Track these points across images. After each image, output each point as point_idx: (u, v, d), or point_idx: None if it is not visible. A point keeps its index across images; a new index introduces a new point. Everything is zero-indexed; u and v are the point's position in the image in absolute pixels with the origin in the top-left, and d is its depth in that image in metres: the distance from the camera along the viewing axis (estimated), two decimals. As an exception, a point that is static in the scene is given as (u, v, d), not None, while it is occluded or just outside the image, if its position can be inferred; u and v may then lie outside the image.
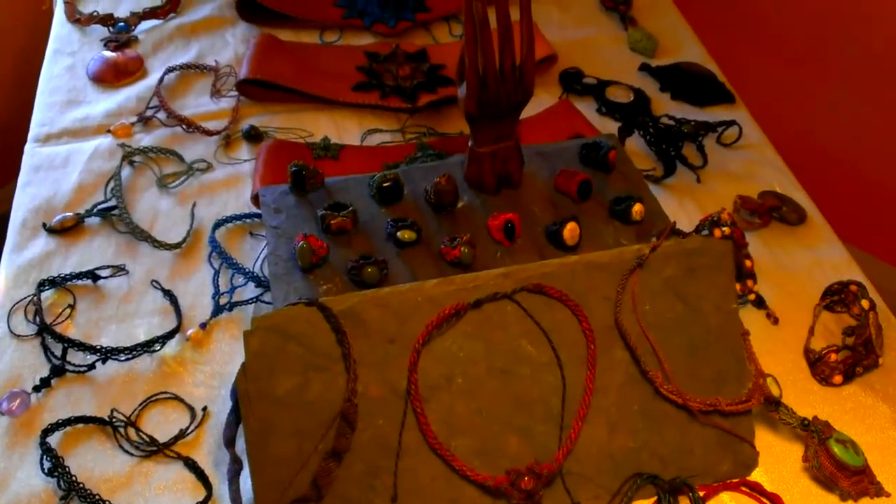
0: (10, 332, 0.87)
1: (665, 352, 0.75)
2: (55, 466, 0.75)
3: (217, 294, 0.91)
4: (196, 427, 0.80)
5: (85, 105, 1.15)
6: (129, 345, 0.85)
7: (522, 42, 0.79)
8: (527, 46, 0.80)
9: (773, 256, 0.99)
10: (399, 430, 0.70)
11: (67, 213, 0.98)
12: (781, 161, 1.13)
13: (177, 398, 0.82)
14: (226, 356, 0.86)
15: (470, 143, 0.86)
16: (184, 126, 1.10)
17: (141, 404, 0.82)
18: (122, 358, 0.85)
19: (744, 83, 1.28)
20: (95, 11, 1.27)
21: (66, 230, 0.97)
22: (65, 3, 1.30)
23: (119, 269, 0.94)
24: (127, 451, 0.78)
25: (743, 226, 0.98)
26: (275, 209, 0.86)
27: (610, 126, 1.14)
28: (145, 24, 1.27)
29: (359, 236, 0.83)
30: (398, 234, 0.81)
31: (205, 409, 0.81)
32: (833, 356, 0.86)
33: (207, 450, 0.79)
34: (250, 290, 0.92)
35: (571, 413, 0.73)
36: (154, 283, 0.92)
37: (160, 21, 1.28)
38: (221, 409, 0.82)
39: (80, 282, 0.92)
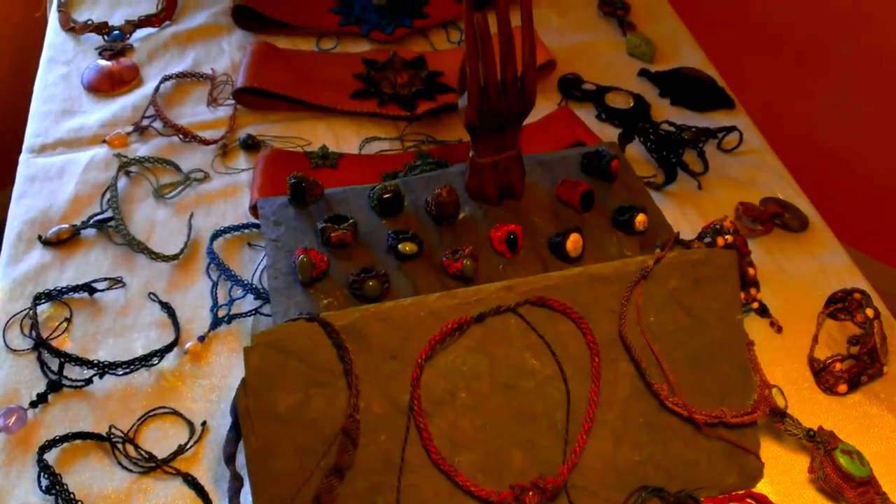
0: (6, 346, 0.86)
1: (670, 364, 0.74)
2: (53, 484, 0.74)
3: (215, 307, 0.90)
4: (195, 442, 0.79)
5: (80, 115, 1.14)
6: (126, 359, 0.84)
7: (524, 52, 0.78)
8: (528, 57, 0.79)
9: (776, 264, 0.99)
10: (402, 445, 0.69)
11: (63, 225, 0.97)
12: (782, 166, 1.13)
13: (175, 413, 0.81)
14: (224, 370, 0.86)
15: (471, 154, 0.85)
16: (180, 135, 1.09)
17: (139, 419, 0.81)
18: (120, 372, 0.84)
19: (742, 86, 1.28)
20: (90, 20, 1.26)
21: (62, 242, 0.96)
22: (59, 11, 1.29)
23: (116, 282, 0.93)
24: (125, 468, 0.77)
25: (745, 233, 0.97)
26: (274, 221, 0.85)
27: (610, 132, 1.14)
28: (140, 32, 1.26)
29: (359, 249, 0.82)
30: (399, 246, 0.80)
31: (204, 423, 0.80)
32: (838, 365, 0.86)
33: (207, 465, 0.78)
34: (249, 303, 0.91)
35: (576, 427, 0.72)
36: (151, 296, 0.91)
37: (155, 29, 1.27)
38: (221, 423, 0.81)
39: (76, 295, 0.91)
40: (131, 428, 0.80)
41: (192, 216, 0.99)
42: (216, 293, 0.91)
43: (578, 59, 1.26)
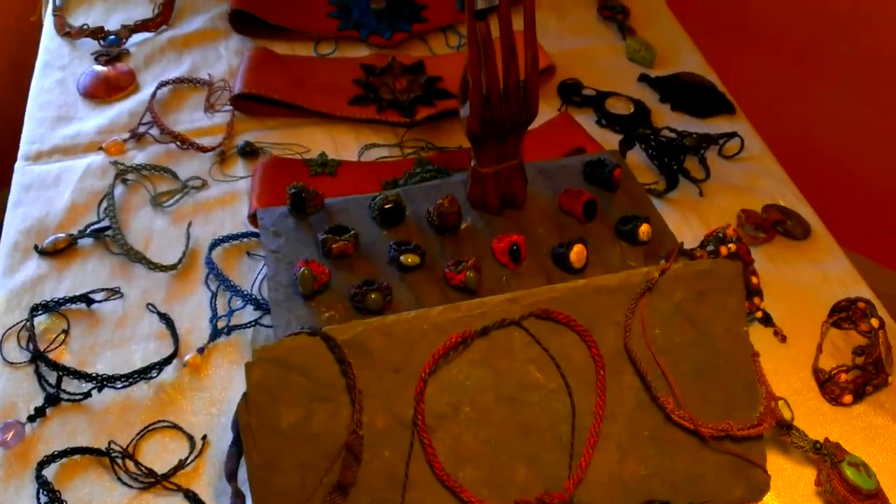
0: (3, 359, 0.85)
1: (675, 376, 0.74)
2: (52, 500, 0.74)
3: (215, 318, 0.89)
4: (196, 457, 0.78)
5: (76, 121, 1.12)
6: (125, 371, 0.83)
7: (527, 61, 0.77)
8: (531, 64, 0.78)
9: (779, 272, 0.98)
10: (406, 461, 0.68)
11: (60, 235, 0.96)
12: (784, 172, 1.12)
13: (175, 427, 0.80)
14: (224, 382, 0.85)
15: (472, 163, 0.84)
16: (178, 142, 1.08)
17: (138, 434, 0.80)
18: (119, 385, 0.83)
19: (742, 90, 1.27)
20: (85, 24, 1.25)
21: (59, 252, 0.95)
22: (54, 15, 1.28)
23: (113, 293, 0.91)
24: (125, 484, 0.76)
25: (748, 241, 0.97)
26: (273, 232, 0.84)
27: (610, 138, 1.13)
28: (136, 37, 1.25)
29: (360, 260, 0.81)
30: (401, 258, 0.79)
31: (204, 437, 0.80)
32: (843, 376, 0.85)
33: (208, 480, 0.77)
34: (249, 313, 0.90)
35: (581, 441, 0.71)
36: (150, 307, 0.90)
37: (152, 34, 1.26)
38: (221, 437, 0.80)
39: (73, 306, 0.90)
40: (131, 442, 0.79)
41: (190, 225, 0.98)
42: (215, 304, 0.90)
43: (578, 64, 1.26)
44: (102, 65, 1.19)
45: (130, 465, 0.77)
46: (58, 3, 1.31)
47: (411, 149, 1.10)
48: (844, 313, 0.92)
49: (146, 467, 0.76)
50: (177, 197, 1.02)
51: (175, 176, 1.04)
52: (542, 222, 0.86)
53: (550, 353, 0.72)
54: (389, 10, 1.29)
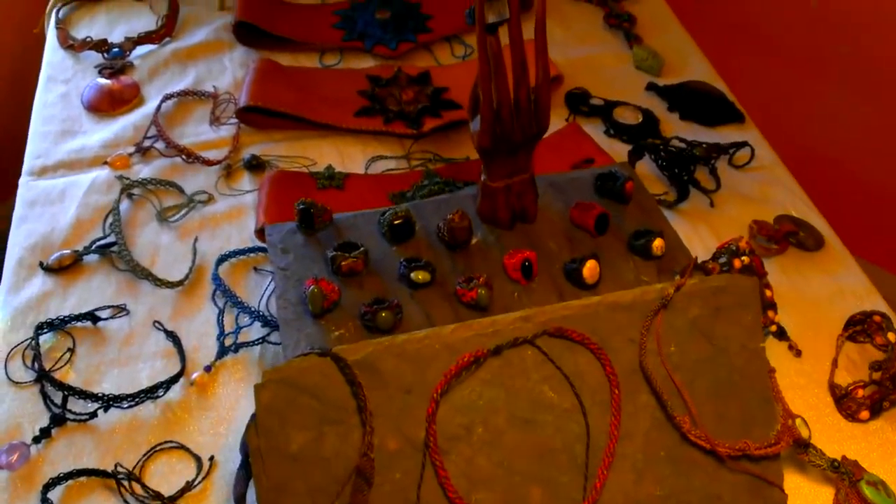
0: (8, 378, 0.84)
1: (691, 395, 0.72)
2: (58, 524, 0.73)
3: (222, 335, 0.88)
4: (203, 479, 0.77)
5: (80, 135, 1.11)
6: (131, 390, 0.82)
7: (538, 74, 0.76)
8: (542, 78, 0.77)
9: (792, 284, 0.97)
10: (417, 484, 0.67)
11: (65, 251, 0.95)
12: (795, 182, 1.11)
13: (182, 447, 0.79)
14: (232, 400, 0.84)
15: (483, 178, 0.83)
16: (183, 156, 1.07)
17: (145, 455, 0.79)
18: (125, 405, 0.82)
19: (750, 97, 1.26)
20: (89, 37, 1.24)
21: (64, 269, 0.94)
22: (57, 28, 1.27)
23: (120, 310, 0.90)
24: (132, 507, 0.75)
25: (760, 252, 0.96)
26: (282, 249, 0.82)
27: (618, 148, 1.12)
28: (140, 50, 1.24)
29: (370, 277, 0.80)
30: (412, 275, 0.78)
31: (212, 458, 0.78)
32: (860, 392, 0.84)
33: (216, 503, 0.76)
34: (256, 330, 0.89)
35: (596, 461, 0.70)
36: (156, 325, 0.89)
37: (155, 46, 1.25)
38: (229, 458, 0.79)
39: (79, 324, 0.89)
40: (137, 464, 0.78)
41: (196, 240, 0.97)
42: (223, 321, 0.89)
43: (584, 73, 1.24)
44: (106, 78, 1.18)
45: (137, 487, 0.76)
46: (60, 15, 1.30)
47: (418, 160, 1.09)
48: (860, 326, 0.91)
49: (153, 490, 0.75)
50: (183, 211, 1.01)
51: (181, 190, 1.03)
52: (554, 237, 0.84)
53: (564, 372, 0.71)
54: (394, 21, 1.28)
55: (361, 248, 0.80)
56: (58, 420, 0.80)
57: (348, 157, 1.10)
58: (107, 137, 1.11)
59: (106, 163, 1.06)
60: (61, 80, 1.20)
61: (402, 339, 0.69)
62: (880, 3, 1.51)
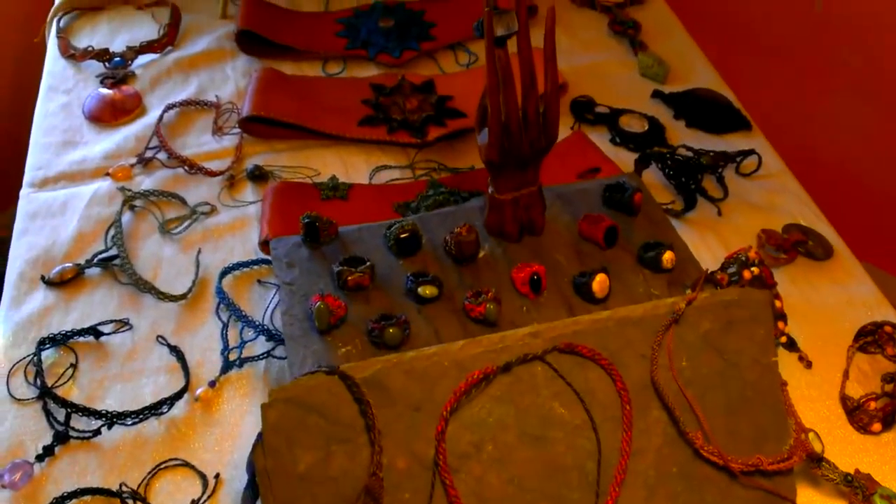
0: (10, 395, 0.83)
1: (703, 410, 0.72)
2: (62, 544, 0.72)
3: (226, 349, 0.87)
4: (209, 497, 0.76)
5: (82, 146, 1.10)
6: (135, 406, 0.81)
7: (547, 87, 0.75)
8: (551, 91, 0.76)
9: (802, 294, 0.96)
10: (427, 503, 0.66)
11: (67, 264, 0.94)
12: (803, 190, 1.10)
13: (187, 465, 0.78)
14: (237, 416, 0.82)
15: (490, 190, 0.82)
16: (186, 167, 1.06)
17: (150, 473, 0.77)
18: (129, 422, 0.81)
19: (757, 105, 1.25)
20: (90, 46, 1.23)
21: (66, 282, 0.93)
22: (58, 37, 1.26)
23: (122, 324, 0.89)
24: (137, 526, 0.74)
25: (769, 262, 0.95)
26: (287, 263, 0.81)
27: (624, 157, 1.11)
28: (142, 59, 1.23)
29: (377, 292, 0.79)
30: (419, 289, 0.77)
31: (217, 476, 0.77)
32: (872, 404, 0.83)
33: (222, 522, 0.75)
34: (261, 344, 0.88)
35: (608, 478, 0.69)
36: (160, 339, 0.88)
37: (157, 55, 1.24)
38: (234, 475, 0.78)
39: (81, 339, 0.88)
40: (142, 482, 0.77)
41: (199, 252, 0.96)
42: (227, 335, 0.88)
43: (589, 81, 1.23)
44: (108, 88, 1.17)
45: (142, 506, 0.75)
46: (61, 24, 1.29)
47: (423, 170, 1.08)
48: (870, 337, 0.90)
49: (158, 509, 0.74)
50: (186, 223, 1.00)
51: (183, 202, 1.02)
52: (562, 249, 0.83)
53: (575, 389, 0.70)
54: (398, 29, 1.27)
55: (368, 263, 0.79)
56: (61, 438, 0.79)
57: (352, 166, 1.09)
58: (108, 148, 1.10)
59: (108, 174, 1.05)
60: (62, 90, 1.19)
61: (411, 356, 0.68)
62: (888, 9, 1.50)
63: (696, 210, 1.04)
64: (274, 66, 1.20)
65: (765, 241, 0.99)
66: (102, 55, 1.22)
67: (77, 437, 0.79)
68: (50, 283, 0.93)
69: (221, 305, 0.91)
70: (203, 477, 0.77)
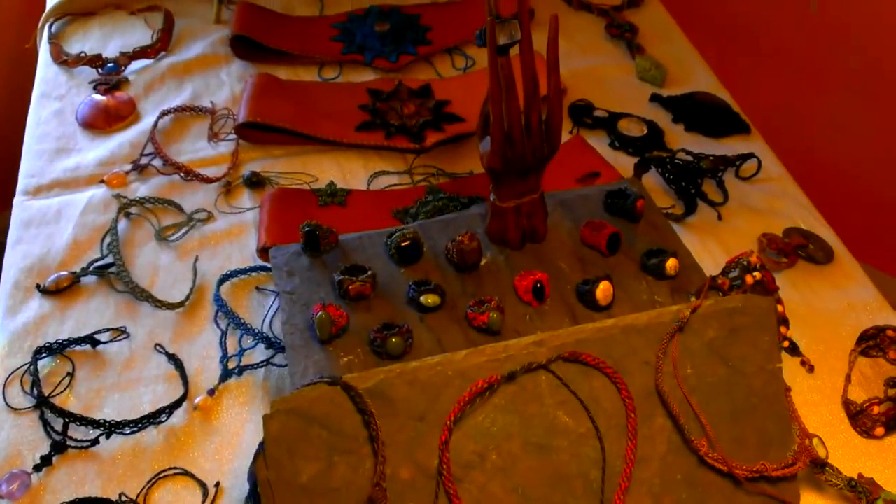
0: (7, 405, 0.82)
1: (708, 417, 0.71)
2: (60, 557, 0.71)
3: (225, 357, 0.86)
4: (209, 507, 0.75)
5: (76, 153, 1.09)
6: (133, 416, 0.80)
7: (550, 95, 0.75)
8: (554, 99, 0.75)
9: (803, 298, 0.96)
10: (431, 513, 0.65)
11: (62, 273, 0.93)
12: (802, 193, 1.10)
13: (187, 474, 0.77)
14: (237, 425, 0.82)
15: (492, 198, 0.82)
16: (181, 174, 1.05)
17: (149, 482, 0.77)
18: (127, 431, 0.80)
19: (755, 108, 1.25)
20: (83, 52, 1.22)
21: (62, 291, 0.92)
22: (50, 43, 1.25)
23: (119, 333, 0.89)
24: (137, 537, 0.73)
25: (770, 266, 0.94)
26: (287, 272, 0.81)
27: (623, 161, 1.11)
28: (136, 65, 1.22)
29: (378, 300, 0.78)
30: (421, 298, 0.76)
31: (217, 485, 0.76)
32: (875, 409, 0.83)
33: (223, 533, 0.74)
34: (260, 351, 0.87)
35: (612, 486, 0.69)
36: (158, 348, 0.87)
37: (151, 61, 1.23)
38: (234, 484, 0.77)
39: (78, 347, 0.87)
40: (141, 492, 0.76)
41: (196, 260, 0.95)
42: (225, 343, 0.87)
43: (587, 84, 1.23)
44: (101, 94, 1.16)
45: (142, 517, 0.74)
46: (53, 30, 1.28)
47: (421, 175, 1.08)
48: (872, 341, 0.90)
49: (158, 521, 0.73)
50: (182, 231, 0.99)
51: (180, 209, 1.02)
52: (564, 257, 0.83)
53: (579, 397, 0.69)
54: (393, 33, 1.26)
55: (369, 272, 0.78)
56: (59, 447, 0.78)
57: (350, 172, 1.08)
58: (103, 155, 1.09)
59: (102, 181, 1.05)
60: (55, 97, 1.18)
61: (414, 365, 0.68)
62: (885, 10, 1.51)
63: (697, 214, 1.04)
64: (269, 72, 1.19)
65: (766, 246, 0.99)
66: (95, 61, 1.21)
67: (75, 447, 0.79)
68: (45, 291, 0.92)
69: (220, 313, 0.90)
70: (203, 486, 0.76)
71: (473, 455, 0.67)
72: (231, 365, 0.86)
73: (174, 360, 0.86)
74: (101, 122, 1.13)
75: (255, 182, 1.04)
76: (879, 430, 0.83)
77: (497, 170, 0.78)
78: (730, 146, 1.14)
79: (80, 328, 0.89)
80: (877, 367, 0.89)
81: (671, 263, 0.81)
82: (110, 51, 1.24)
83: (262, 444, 0.66)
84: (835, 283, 0.98)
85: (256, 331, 0.88)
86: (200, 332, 0.90)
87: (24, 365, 0.84)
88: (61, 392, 0.83)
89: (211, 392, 0.83)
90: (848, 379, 0.87)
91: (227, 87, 1.20)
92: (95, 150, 1.10)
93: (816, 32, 1.60)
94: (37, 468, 0.77)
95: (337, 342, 0.74)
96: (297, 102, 1.13)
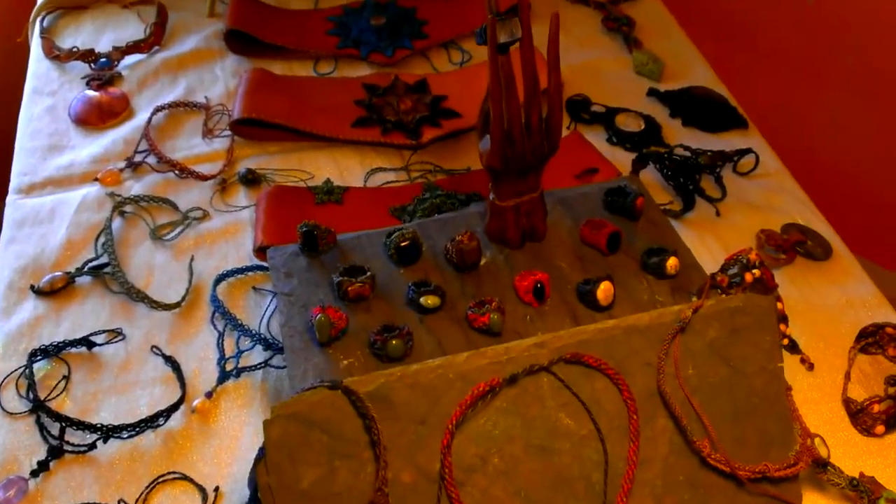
0: (2, 409, 0.81)
1: (710, 418, 0.71)
2: (59, 564, 0.70)
3: (222, 359, 0.85)
4: (209, 512, 0.75)
5: (69, 150, 1.08)
6: (130, 419, 0.79)
7: (550, 93, 0.74)
8: (555, 98, 0.75)
9: (802, 295, 0.95)
10: (433, 517, 0.65)
11: (56, 273, 0.92)
12: (800, 189, 1.09)
13: (186, 478, 0.77)
14: (235, 428, 0.81)
15: (491, 196, 0.81)
16: (176, 171, 1.04)
17: (148, 487, 0.76)
18: (125, 435, 0.79)
19: (751, 102, 1.24)
20: (75, 47, 1.20)
21: (56, 291, 0.91)
22: (41, 37, 1.24)
23: (115, 334, 0.88)
24: (136, 544, 0.73)
25: (769, 263, 0.94)
26: (285, 273, 0.80)
27: (621, 156, 1.10)
28: (129, 59, 1.21)
29: (378, 301, 0.78)
30: (421, 300, 0.76)
31: (216, 489, 0.76)
32: (876, 407, 0.82)
33: (223, 538, 0.74)
34: (258, 352, 0.86)
35: (615, 488, 0.68)
36: (154, 350, 0.86)
37: (144, 55, 1.22)
38: (234, 488, 0.76)
39: (74, 349, 0.86)
40: (140, 496, 0.75)
41: (192, 259, 0.94)
42: (223, 344, 0.87)
43: (584, 79, 1.22)
44: (94, 89, 1.14)
45: (141, 522, 0.73)
46: (45, 24, 1.26)
47: (418, 172, 1.07)
48: (872, 338, 0.89)
49: (158, 526, 0.73)
50: (178, 229, 0.98)
51: (175, 207, 1.00)
52: (564, 256, 0.82)
53: (581, 399, 0.69)
54: (389, 27, 1.25)
55: (368, 273, 0.77)
56: (56, 452, 0.77)
57: (346, 169, 1.07)
58: (96, 152, 1.07)
59: (96, 179, 1.03)
60: (47, 93, 1.16)
61: (415, 368, 0.67)
62: (884, 5, 1.50)
63: (695, 210, 1.03)
64: (264, 66, 1.18)
65: (764, 242, 0.98)
66: (88, 56, 1.19)
67: (72, 452, 0.78)
68: (40, 292, 0.91)
69: (216, 314, 0.89)
70: (202, 490, 0.76)
71: (475, 458, 0.67)
72: (229, 367, 0.85)
73: (171, 362, 0.85)
74: (94, 118, 1.11)
75: (251, 179, 1.03)
76: (880, 429, 0.83)
77: (497, 169, 0.77)
78: (727, 141, 1.14)
79: (75, 330, 0.88)
80: (876, 364, 0.89)
81: (672, 262, 0.80)
82: (103, 45, 1.23)
83: (262, 450, 0.65)
84: (833, 279, 0.98)
85: (254, 332, 0.87)
86: (197, 333, 0.89)
87: (20, 368, 0.83)
88: (57, 395, 0.82)
89: (209, 394, 0.83)
90: (847, 377, 0.87)
91: (222, 81, 1.18)
92: (89, 148, 1.08)
93: (813, 27, 1.59)
94: (34, 474, 0.76)
95: (336, 345, 0.74)
96: (292, 98, 1.12)
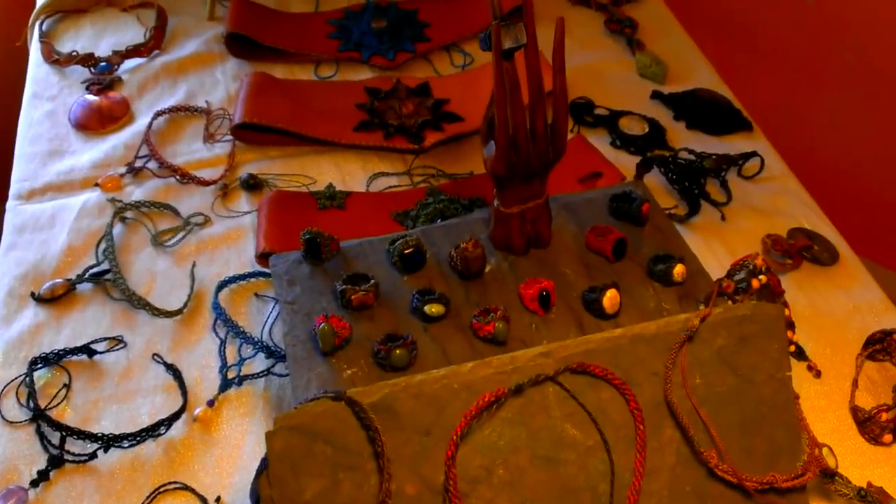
0: (2, 418, 0.80)
1: (717, 428, 0.70)
2: (59, 576, 0.69)
3: (224, 367, 0.85)
4: (211, 522, 0.74)
5: (69, 156, 1.07)
6: (131, 428, 0.79)
7: (555, 100, 0.73)
8: (560, 104, 0.74)
9: (809, 301, 0.94)
10: (438, 530, 0.64)
11: (57, 280, 0.91)
12: (806, 192, 1.09)
13: (187, 488, 0.76)
14: (237, 437, 0.80)
15: (496, 203, 0.80)
16: (177, 176, 1.03)
17: (149, 497, 0.75)
18: (126, 445, 0.78)
19: (755, 104, 1.24)
20: (75, 51, 1.20)
21: (57, 299, 0.90)
22: (41, 41, 1.23)
23: (116, 342, 0.87)
24: (137, 555, 0.72)
25: (775, 268, 0.93)
26: (288, 281, 0.79)
27: (625, 160, 1.09)
28: (129, 63, 1.20)
29: (381, 310, 0.77)
30: (425, 308, 0.75)
31: (218, 499, 0.75)
32: (884, 416, 0.82)
33: (225, 549, 0.73)
34: (260, 360, 0.86)
35: (621, 499, 0.67)
36: (156, 357, 0.86)
37: (144, 59, 1.21)
38: (236, 498, 0.76)
39: (74, 357, 0.85)
40: (141, 508, 0.75)
41: (194, 266, 0.94)
42: (225, 352, 0.86)
43: (587, 81, 1.21)
44: (94, 94, 1.14)
45: (142, 534, 0.73)
46: (44, 28, 1.26)
47: (421, 176, 1.06)
48: (879, 345, 0.89)
49: (159, 538, 0.72)
50: (179, 235, 0.98)
51: (176, 212, 1.00)
52: (570, 263, 0.82)
53: (587, 409, 0.68)
54: (391, 30, 1.24)
55: (372, 281, 0.77)
56: (56, 462, 0.77)
57: (349, 173, 1.07)
58: (97, 157, 1.07)
59: (97, 185, 1.03)
60: (47, 97, 1.16)
61: (419, 378, 0.66)
62: (886, 6, 1.49)
63: (700, 215, 1.02)
64: (265, 70, 1.17)
65: (770, 247, 0.98)
66: (87, 60, 1.19)
67: (72, 461, 0.77)
68: (40, 299, 0.90)
69: (218, 321, 0.89)
70: (204, 500, 0.75)
71: (480, 469, 0.66)
72: (231, 375, 0.84)
73: (172, 369, 0.85)
74: (94, 123, 1.11)
75: (253, 184, 1.03)
76: (888, 438, 0.82)
77: (501, 175, 0.77)
78: (731, 144, 1.13)
79: (76, 337, 0.87)
80: (884, 371, 0.89)
81: (679, 270, 0.79)
82: (102, 49, 1.22)
83: (264, 461, 0.65)
84: (840, 284, 0.97)
85: (256, 339, 0.86)
86: (199, 340, 0.88)
87: (20, 376, 0.83)
88: (58, 404, 0.82)
89: (210, 403, 0.82)
90: (855, 384, 0.86)
91: (223, 85, 1.17)
92: (89, 153, 1.07)
93: (814, 27, 1.58)
94: (34, 483, 0.75)
95: (340, 354, 0.73)
96: (293, 102, 1.11)
